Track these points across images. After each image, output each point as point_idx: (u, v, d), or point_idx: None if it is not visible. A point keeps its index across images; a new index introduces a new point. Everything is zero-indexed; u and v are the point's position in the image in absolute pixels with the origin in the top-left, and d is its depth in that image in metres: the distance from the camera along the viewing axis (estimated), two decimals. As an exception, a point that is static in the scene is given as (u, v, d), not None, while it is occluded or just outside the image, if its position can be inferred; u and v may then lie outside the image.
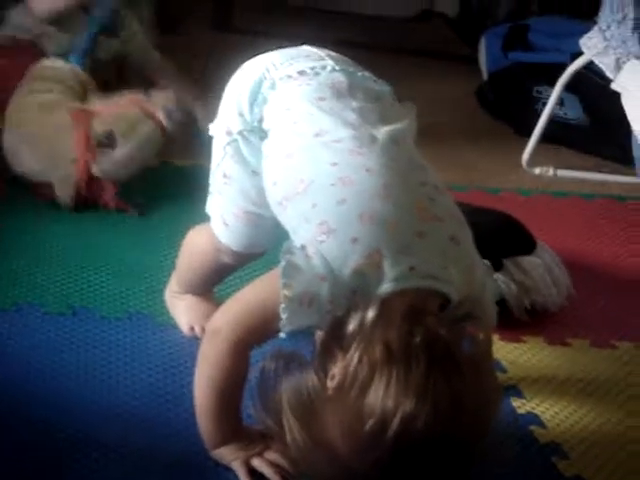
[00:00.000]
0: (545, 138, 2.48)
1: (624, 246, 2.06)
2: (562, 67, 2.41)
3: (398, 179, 1.17)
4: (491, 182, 2.33)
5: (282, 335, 1.11)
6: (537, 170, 2.44)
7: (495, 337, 1.50)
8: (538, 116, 2.46)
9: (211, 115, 1.37)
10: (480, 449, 1.05)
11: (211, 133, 1.35)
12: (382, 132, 1.22)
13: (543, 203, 2.25)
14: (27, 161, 1.87)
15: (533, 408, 1.43)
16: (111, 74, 2.19)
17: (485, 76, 2.91)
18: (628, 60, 2.13)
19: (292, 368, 1.10)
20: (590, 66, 2.32)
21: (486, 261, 1.23)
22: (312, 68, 1.30)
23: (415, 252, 1.10)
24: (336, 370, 1.05)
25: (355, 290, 1.08)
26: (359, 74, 1.33)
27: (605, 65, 2.17)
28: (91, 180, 1.85)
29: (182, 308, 1.52)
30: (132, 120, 1.88)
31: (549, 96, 2.45)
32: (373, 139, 1.21)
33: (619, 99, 2.18)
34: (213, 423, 1.21)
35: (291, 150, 1.23)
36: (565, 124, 2.62)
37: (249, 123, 1.30)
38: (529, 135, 2.47)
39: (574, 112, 2.62)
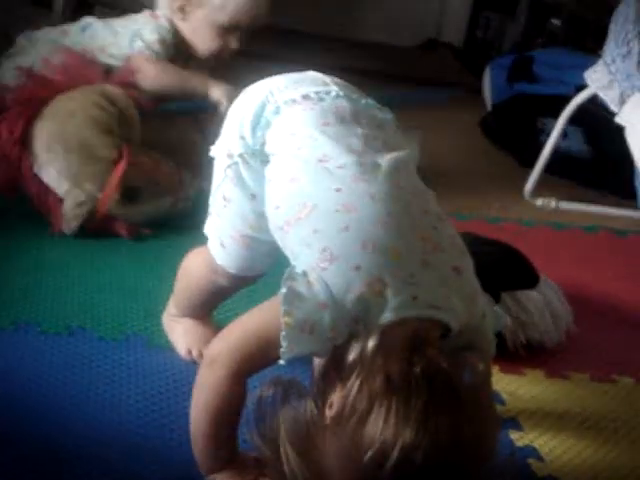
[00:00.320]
0: (548, 170, 2.48)
1: (625, 280, 2.06)
2: (566, 99, 2.41)
3: (401, 207, 1.17)
4: (493, 212, 2.33)
5: (282, 362, 1.10)
6: (539, 201, 2.44)
7: (495, 369, 1.49)
8: (541, 148, 2.47)
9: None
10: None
11: (212, 155, 1.35)
12: (386, 159, 1.22)
13: (544, 234, 2.25)
14: (54, 163, 1.85)
15: (531, 441, 1.42)
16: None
17: (489, 106, 2.93)
18: (632, 94, 2.13)
19: (290, 396, 1.09)
20: (594, 99, 2.33)
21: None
22: (316, 93, 1.30)
23: (418, 281, 1.10)
24: (335, 399, 1.04)
25: (357, 318, 1.07)
26: (363, 101, 1.33)
27: (609, 98, 2.18)
28: (103, 216, 1.85)
29: (180, 331, 1.52)
30: (160, 190, 1.91)
31: (553, 128, 2.45)
32: (377, 166, 1.21)
33: (622, 133, 2.19)
34: (208, 449, 1.20)
35: (295, 175, 1.22)
36: (568, 156, 2.62)
37: (250, 146, 1.29)
38: (532, 166, 2.48)
39: (577, 145, 2.63)
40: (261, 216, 1.28)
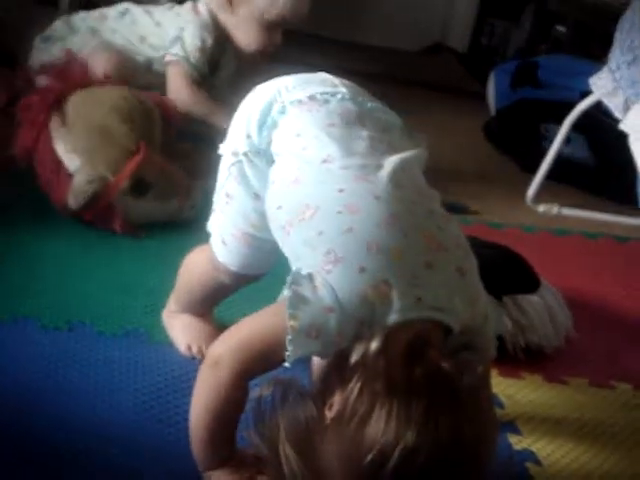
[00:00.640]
0: (551, 176, 2.48)
1: (625, 286, 2.06)
2: (570, 105, 2.41)
3: (406, 207, 1.17)
4: (495, 217, 2.33)
5: (286, 365, 1.09)
6: (541, 207, 2.45)
7: (494, 372, 1.49)
8: (544, 153, 2.47)
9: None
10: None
11: (220, 152, 1.35)
12: (390, 161, 1.22)
13: (546, 240, 2.25)
14: (73, 138, 1.87)
15: (529, 445, 1.42)
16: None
17: (493, 111, 2.93)
18: (637, 101, 2.13)
19: (290, 396, 1.09)
20: (599, 106, 2.33)
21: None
22: (323, 94, 1.30)
23: (422, 283, 1.09)
24: (336, 400, 1.04)
25: (362, 321, 1.07)
26: (370, 104, 1.32)
27: (614, 105, 2.18)
28: (107, 202, 1.84)
29: (180, 327, 1.52)
30: (169, 192, 1.92)
31: (556, 134, 2.45)
32: (381, 167, 1.20)
33: (626, 140, 2.19)
34: (207, 447, 1.19)
35: (298, 176, 1.22)
36: (571, 163, 2.62)
37: (256, 145, 1.29)
38: (535, 172, 2.48)
39: (581, 151, 2.63)
40: (263, 215, 1.28)
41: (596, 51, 2.82)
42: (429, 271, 1.11)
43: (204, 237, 1.38)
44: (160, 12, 2.23)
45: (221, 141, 1.36)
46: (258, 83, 1.37)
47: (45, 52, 2.21)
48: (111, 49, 2.17)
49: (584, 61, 2.74)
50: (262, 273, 1.40)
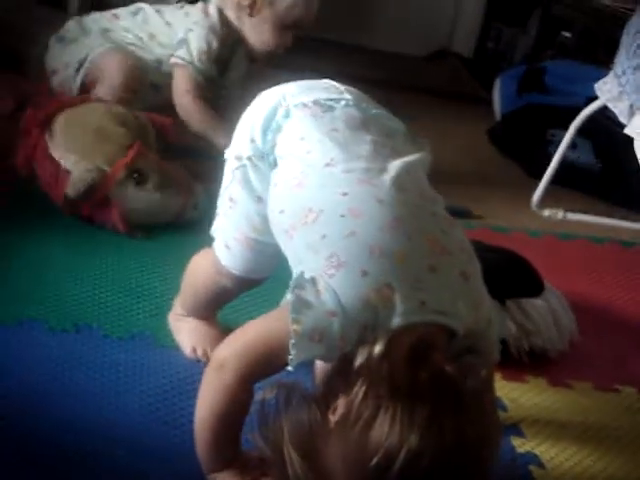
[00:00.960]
0: (556, 181, 2.48)
1: (630, 290, 2.06)
2: (576, 111, 2.41)
3: (409, 211, 1.17)
4: (499, 221, 2.33)
5: (289, 368, 1.09)
6: (546, 212, 2.45)
7: (498, 376, 1.50)
8: (550, 159, 2.47)
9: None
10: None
11: (225, 157, 1.36)
12: (394, 165, 1.22)
13: (550, 244, 2.25)
14: (69, 141, 1.89)
15: (533, 448, 1.42)
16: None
17: (498, 116, 2.93)
18: (642, 106, 2.13)
19: (293, 399, 1.10)
20: (605, 111, 2.33)
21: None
22: (327, 100, 1.31)
23: (426, 287, 1.10)
24: (339, 404, 1.05)
25: (366, 325, 1.07)
26: (373, 111, 1.33)
27: (619, 110, 2.18)
28: (104, 195, 1.85)
29: (185, 330, 1.52)
30: (170, 183, 1.93)
31: (562, 139, 2.45)
32: (385, 171, 1.21)
33: (632, 145, 2.19)
34: (211, 450, 1.20)
35: (301, 179, 1.22)
36: (577, 168, 2.62)
37: (260, 149, 1.30)
38: (540, 177, 2.48)
39: (586, 156, 2.63)
40: (266, 219, 1.29)
41: (602, 57, 2.82)
42: (433, 275, 1.11)
43: (208, 239, 1.39)
44: (170, 12, 2.24)
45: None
46: (264, 89, 1.38)
47: (59, 53, 2.22)
48: (123, 51, 2.18)
49: (590, 67, 2.74)
50: (264, 277, 1.41)
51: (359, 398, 1.01)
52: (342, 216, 1.15)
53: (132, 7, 2.27)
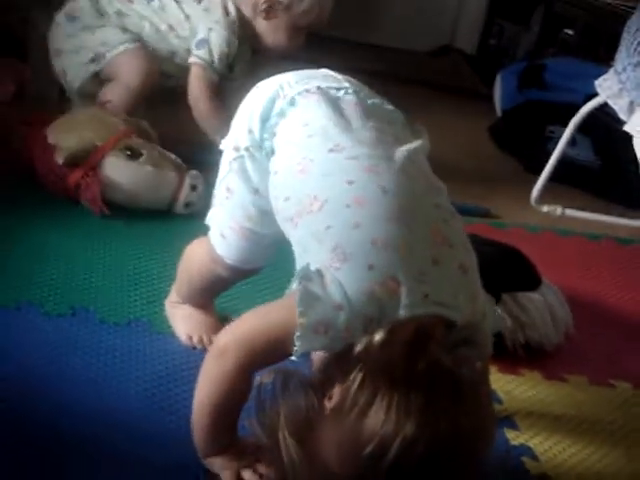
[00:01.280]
0: (555, 177, 2.48)
1: (626, 287, 2.06)
2: (576, 108, 2.41)
3: (413, 200, 1.17)
4: (498, 217, 2.33)
5: (293, 358, 1.10)
6: (545, 208, 2.45)
7: (493, 368, 1.50)
8: (549, 155, 2.47)
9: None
10: (474, 476, 1.05)
11: (221, 147, 1.36)
12: (399, 152, 1.22)
13: (548, 240, 2.25)
14: (64, 129, 1.93)
15: (526, 440, 1.43)
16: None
17: (499, 112, 2.93)
18: (642, 103, 2.14)
19: (290, 385, 1.10)
20: (604, 108, 2.33)
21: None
22: (328, 87, 1.31)
23: (429, 279, 1.10)
24: (336, 391, 1.05)
25: (372, 317, 1.07)
26: (373, 100, 1.33)
27: (619, 107, 2.18)
28: (93, 167, 1.87)
29: (181, 317, 1.53)
30: (164, 161, 1.94)
31: (561, 136, 2.45)
32: (390, 158, 1.21)
33: (631, 143, 2.19)
34: (208, 436, 1.20)
35: (305, 165, 1.22)
36: (576, 165, 2.62)
37: (257, 140, 1.30)
38: (539, 173, 2.48)
39: (586, 153, 2.63)
40: (262, 210, 1.29)
41: (603, 54, 2.82)
42: (435, 267, 1.11)
43: (205, 227, 1.39)
44: (188, 4, 2.22)
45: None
46: (263, 79, 1.38)
47: (69, 34, 2.19)
48: (144, 54, 2.17)
49: (590, 64, 2.74)
50: (259, 267, 1.41)
51: (356, 385, 1.01)
52: (347, 206, 1.15)
53: None
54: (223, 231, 1.35)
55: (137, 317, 1.55)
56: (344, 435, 1.02)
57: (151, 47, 2.18)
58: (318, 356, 1.24)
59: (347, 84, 1.32)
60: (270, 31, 2.24)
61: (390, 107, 1.35)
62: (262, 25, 2.24)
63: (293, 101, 1.29)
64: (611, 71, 2.23)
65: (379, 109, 1.32)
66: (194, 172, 1.95)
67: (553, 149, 2.47)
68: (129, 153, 1.89)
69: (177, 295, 1.54)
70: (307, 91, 1.29)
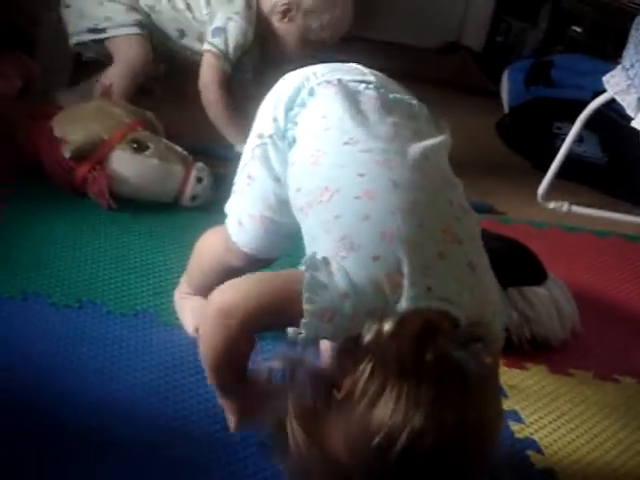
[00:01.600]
0: (562, 174, 2.47)
1: (632, 283, 2.06)
2: (584, 104, 2.40)
3: (426, 196, 1.17)
4: (505, 213, 2.33)
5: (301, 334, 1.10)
6: (552, 204, 2.44)
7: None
8: (557, 152, 2.46)
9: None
10: (480, 468, 1.05)
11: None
12: (414, 147, 1.22)
13: (555, 236, 2.25)
14: (70, 121, 1.93)
15: (532, 434, 1.43)
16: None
17: (506, 109, 2.92)
18: (650, 99, 2.13)
19: (299, 375, 1.10)
20: (612, 105, 2.33)
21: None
22: (351, 80, 1.31)
23: (433, 273, 1.10)
24: (345, 381, 1.05)
25: (376, 307, 1.07)
26: (398, 95, 1.33)
27: (627, 103, 2.18)
28: (99, 160, 1.87)
29: (189, 309, 1.53)
30: (170, 154, 1.94)
31: (569, 133, 2.45)
32: (404, 153, 1.21)
33: (638, 139, 2.19)
34: (216, 377, 1.22)
35: (317, 157, 1.22)
36: (583, 161, 2.62)
37: (281, 129, 1.30)
38: (546, 170, 2.47)
39: (593, 150, 2.62)
40: (282, 199, 1.29)
41: (611, 51, 2.82)
42: (441, 261, 1.11)
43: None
44: None
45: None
46: (276, 75, 1.38)
47: (80, 16, 2.19)
48: (145, 42, 2.17)
49: (597, 61, 2.74)
50: (273, 258, 1.41)
51: (365, 376, 1.01)
52: (357, 198, 1.15)
53: None
54: (241, 219, 1.35)
55: (144, 308, 1.55)
56: (353, 425, 1.01)
57: (159, 23, 2.18)
58: (326, 346, 1.24)
59: (372, 77, 1.33)
60: (282, 34, 2.24)
61: (414, 102, 1.35)
62: (276, 26, 2.24)
63: (312, 91, 1.30)
64: (619, 67, 2.22)
65: (401, 104, 1.32)
66: (200, 164, 1.96)
67: (560, 146, 2.47)
68: (135, 146, 1.90)
69: (188, 286, 1.54)
70: (328, 82, 1.30)
